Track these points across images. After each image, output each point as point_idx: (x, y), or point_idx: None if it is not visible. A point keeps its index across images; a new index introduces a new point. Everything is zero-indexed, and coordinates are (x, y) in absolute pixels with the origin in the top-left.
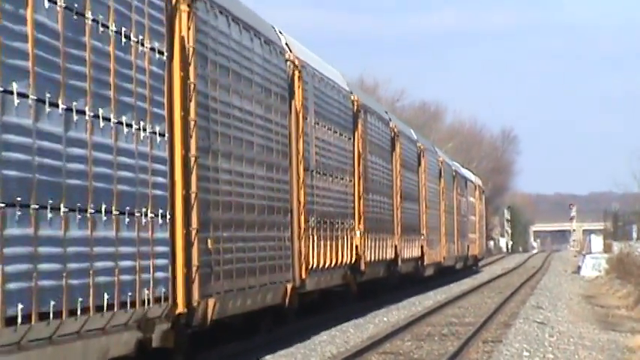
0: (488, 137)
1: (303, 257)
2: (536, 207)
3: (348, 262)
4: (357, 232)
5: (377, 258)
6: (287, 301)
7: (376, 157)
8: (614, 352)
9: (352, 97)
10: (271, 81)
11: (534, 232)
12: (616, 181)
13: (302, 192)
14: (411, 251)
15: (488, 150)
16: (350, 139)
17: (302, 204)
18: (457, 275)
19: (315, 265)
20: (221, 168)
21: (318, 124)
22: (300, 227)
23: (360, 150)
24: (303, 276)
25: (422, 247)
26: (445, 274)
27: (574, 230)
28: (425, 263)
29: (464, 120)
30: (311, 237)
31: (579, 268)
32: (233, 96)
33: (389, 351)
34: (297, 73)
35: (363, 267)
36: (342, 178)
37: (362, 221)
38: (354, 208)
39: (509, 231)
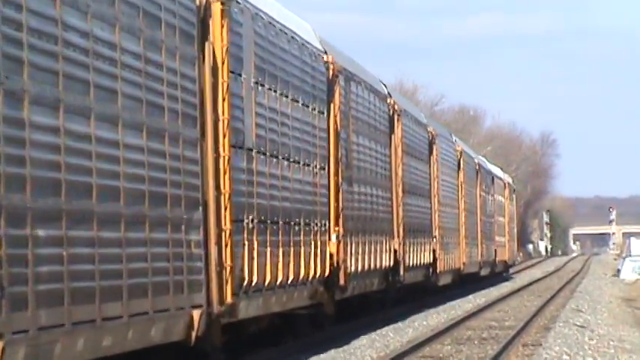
0: (528, 141)
1: (228, 272)
2: (575, 210)
3: (318, 275)
4: (333, 236)
5: (366, 267)
6: (194, 335)
7: (365, 139)
8: None
9: (325, 58)
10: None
11: (574, 235)
12: None
13: (225, 177)
14: (419, 257)
15: (528, 154)
16: (322, 113)
17: (226, 195)
18: (495, 279)
19: (253, 282)
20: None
21: (261, 85)
22: (221, 228)
23: (339, 127)
24: (229, 298)
25: (434, 251)
26: (468, 282)
27: (614, 233)
28: (438, 270)
29: (502, 124)
30: (246, 243)
31: (619, 271)
32: None
33: (428, 355)
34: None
35: (342, 281)
36: (308, 164)
37: (341, 221)
38: (328, 204)
39: (549, 234)
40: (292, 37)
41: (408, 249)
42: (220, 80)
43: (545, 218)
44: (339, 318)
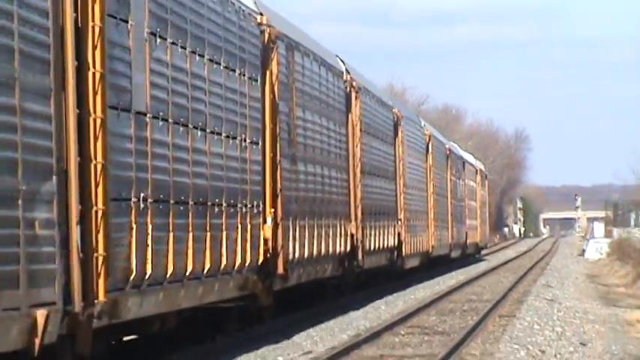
0: (503, 136)
1: (101, 261)
2: (545, 197)
3: (248, 263)
4: (269, 219)
5: (315, 253)
6: (37, 343)
7: (315, 116)
8: (614, 325)
9: (259, 19)
10: None
11: (544, 219)
12: (616, 175)
13: (98, 143)
14: (382, 240)
15: (503, 147)
16: (255, 80)
17: (98, 166)
18: (473, 259)
19: (147, 274)
20: None
21: (160, 37)
22: (89, 207)
23: (277, 99)
24: (101, 296)
25: (399, 234)
26: (438, 264)
27: (579, 218)
28: (404, 254)
29: (481, 121)
30: (134, 226)
31: (584, 251)
32: None
33: (416, 325)
34: None
35: (281, 269)
36: (233, 137)
37: (280, 203)
38: (263, 182)
39: (522, 219)
40: None
41: (367, 232)
42: (89, 22)
43: (519, 204)
44: (286, 308)
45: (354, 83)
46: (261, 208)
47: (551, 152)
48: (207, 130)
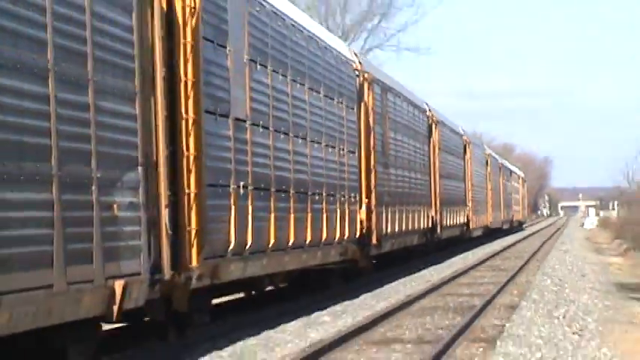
0: (538, 160)
1: (193, 235)
2: (561, 194)
3: (347, 236)
4: (363, 206)
5: (404, 229)
6: (114, 312)
7: (404, 137)
8: (602, 265)
9: (355, 66)
10: None
11: (561, 206)
12: (611, 178)
13: (190, 139)
14: (455, 219)
15: (537, 167)
16: (352, 108)
17: (190, 157)
18: (509, 231)
19: (248, 244)
20: None
21: (261, 65)
22: (181, 189)
23: (370, 122)
24: (194, 263)
25: (467, 215)
26: (493, 233)
27: (580, 206)
28: (471, 227)
29: (526, 151)
30: (232, 207)
31: (583, 224)
32: None
33: (488, 265)
34: None
35: (375, 240)
36: (332, 146)
37: (373, 195)
38: (359, 180)
39: (548, 205)
40: (310, 37)
41: (444, 215)
42: (181, 40)
43: (546, 198)
44: (383, 267)
45: (434, 117)
46: (357, 198)
47: (565, 167)
48: (308, 139)
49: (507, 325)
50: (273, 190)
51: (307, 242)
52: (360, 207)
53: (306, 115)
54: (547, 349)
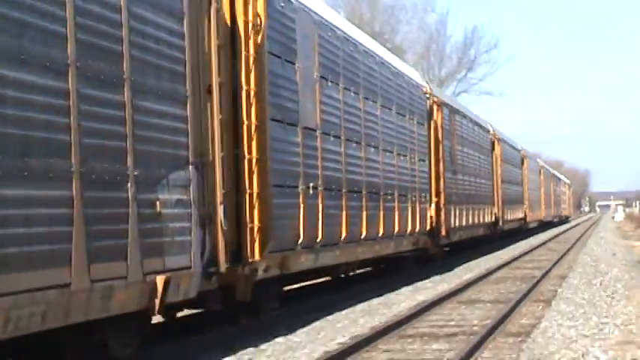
0: (580, 172)
1: (256, 231)
2: (598, 196)
3: (417, 230)
4: (432, 205)
5: (470, 223)
6: (156, 305)
7: (470, 150)
8: (628, 247)
9: (424, 90)
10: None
11: (597, 205)
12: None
13: (252, 143)
14: (514, 215)
15: (581, 177)
16: (422, 124)
17: (252, 160)
18: (559, 223)
19: (310, 239)
20: None
21: (332, 82)
22: (242, 190)
23: (439, 137)
24: (257, 256)
25: (525, 211)
26: (546, 225)
27: (611, 205)
28: (528, 220)
29: (573, 165)
30: (301, 205)
31: (614, 217)
32: None
33: (545, 248)
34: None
35: (444, 232)
36: (404, 155)
37: (442, 196)
38: (429, 183)
39: (588, 204)
40: (382, 63)
41: (505, 211)
42: (243, 52)
43: (587, 199)
44: (452, 254)
45: (496, 136)
46: (427, 198)
47: (601, 176)
48: (380, 148)
49: (559, 290)
50: (344, 190)
51: (380, 235)
52: (430, 205)
53: (378, 128)
54: (588, 307)
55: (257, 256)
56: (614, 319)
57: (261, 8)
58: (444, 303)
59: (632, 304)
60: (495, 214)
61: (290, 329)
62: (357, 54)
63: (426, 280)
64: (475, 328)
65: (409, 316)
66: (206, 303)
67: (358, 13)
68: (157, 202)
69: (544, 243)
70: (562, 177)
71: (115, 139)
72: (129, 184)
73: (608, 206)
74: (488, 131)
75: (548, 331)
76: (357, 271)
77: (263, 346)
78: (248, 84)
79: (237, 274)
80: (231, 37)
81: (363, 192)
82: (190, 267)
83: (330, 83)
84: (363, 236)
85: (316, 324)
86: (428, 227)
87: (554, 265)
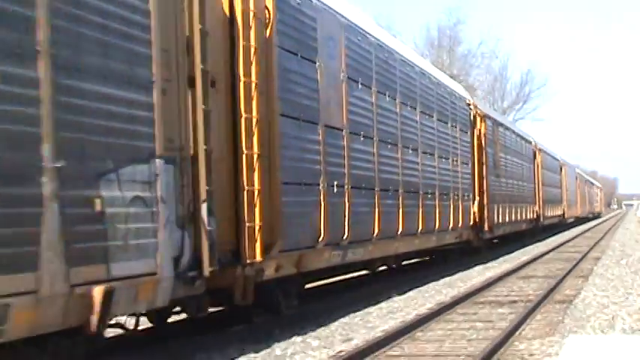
0: (610, 179)
1: (257, 230)
2: (625, 197)
3: (460, 225)
4: (475, 203)
5: (514, 219)
6: (93, 323)
7: (512, 157)
8: None
9: (467, 101)
10: None
11: (623, 204)
12: None
13: (254, 139)
14: (553, 212)
15: (611, 182)
16: (465, 132)
17: (253, 156)
18: (592, 218)
19: (335, 236)
20: None
21: (363, 84)
22: (240, 186)
23: (482, 144)
24: (258, 256)
25: (563, 209)
26: (582, 220)
27: (636, 203)
28: (566, 217)
29: (604, 174)
30: (322, 203)
31: (636, 213)
32: None
33: (582, 236)
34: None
35: (487, 227)
36: (445, 157)
37: (485, 195)
38: (473, 183)
39: (616, 203)
40: (422, 73)
41: (546, 209)
42: (241, 42)
43: (615, 199)
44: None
45: (537, 146)
46: (470, 197)
47: (629, 181)
48: (419, 151)
49: (594, 268)
50: (377, 189)
51: (419, 230)
52: (473, 203)
53: (417, 132)
54: (617, 281)
55: (258, 257)
56: (637, 290)
57: (269, 2)
58: (507, 278)
59: None
60: (537, 211)
61: (392, 296)
62: (393, 61)
63: (493, 261)
64: (530, 297)
65: (480, 288)
66: (187, 309)
67: (440, 60)
68: (97, 200)
69: (582, 233)
70: (595, 182)
71: (19, 124)
72: (43, 179)
73: (631, 205)
74: (530, 143)
75: (586, 299)
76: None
77: (371, 309)
78: (247, 76)
79: (234, 276)
80: (230, 27)
81: (400, 190)
82: (155, 273)
83: (360, 86)
84: (399, 232)
85: (410, 294)
86: (471, 222)
87: (590, 249)
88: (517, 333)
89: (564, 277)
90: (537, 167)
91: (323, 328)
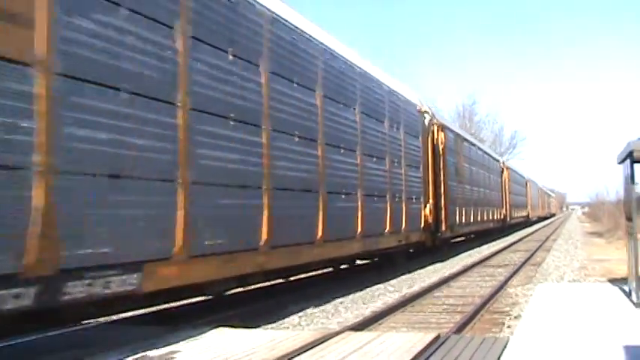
0: (560, 192)
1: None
2: (572, 204)
3: (403, 227)
4: (428, 205)
5: (474, 220)
6: None
7: (478, 169)
8: (582, 227)
9: (419, 107)
10: None
11: (570, 208)
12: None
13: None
14: (519, 214)
15: (562, 195)
16: (417, 137)
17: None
18: (550, 217)
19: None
20: None
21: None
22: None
23: (440, 151)
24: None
25: (528, 211)
26: (543, 218)
27: (578, 207)
28: (530, 216)
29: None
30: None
31: (576, 214)
32: None
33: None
34: None
35: (443, 228)
36: (382, 158)
37: (442, 198)
38: (426, 189)
39: (566, 208)
40: (370, 78)
41: (512, 212)
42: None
43: (565, 205)
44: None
45: (505, 165)
46: (422, 200)
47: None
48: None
49: (554, 245)
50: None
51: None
52: (425, 206)
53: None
54: (566, 252)
55: None
56: (576, 257)
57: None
58: (503, 252)
59: (584, 251)
60: (504, 213)
61: (435, 262)
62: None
63: (493, 242)
64: (516, 262)
65: (487, 256)
66: None
67: (464, 124)
68: None
69: (545, 226)
70: (552, 193)
71: None
72: None
73: (574, 209)
74: (498, 161)
75: (548, 263)
76: None
77: (421, 271)
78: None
79: None
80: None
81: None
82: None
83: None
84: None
85: (446, 262)
86: (422, 224)
87: (549, 235)
88: (508, 283)
89: (536, 250)
90: (505, 180)
91: (395, 280)
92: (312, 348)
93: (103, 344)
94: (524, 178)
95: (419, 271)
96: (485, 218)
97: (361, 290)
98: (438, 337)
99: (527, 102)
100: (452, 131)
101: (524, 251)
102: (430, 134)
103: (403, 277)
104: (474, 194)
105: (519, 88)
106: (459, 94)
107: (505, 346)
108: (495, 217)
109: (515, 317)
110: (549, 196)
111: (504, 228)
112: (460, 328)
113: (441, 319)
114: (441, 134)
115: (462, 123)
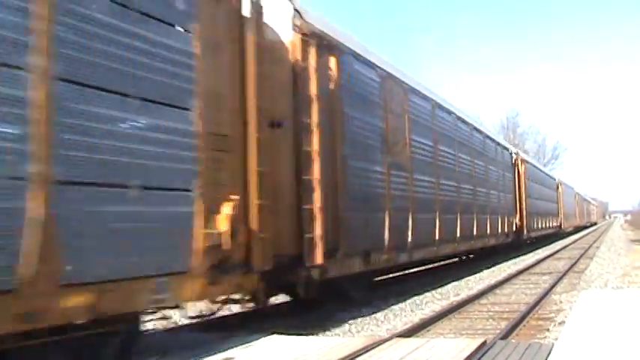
0: (602, 201)
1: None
2: (614, 213)
3: (507, 230)
4: (517, 216)
5: (540, 227)
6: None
7: (543, 187)
8: (625, 234)
9: (510, 150)
10: None
11: (613, 216)
12: None
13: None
14: (543, 224)
15: (604, 203)
16: (510, 173)
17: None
18: (590, 226)
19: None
20: None
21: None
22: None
23: (523, 179)
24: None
25: (561, 220)
26: (581, 228)
27: (621, 215)
28: (563, 227)
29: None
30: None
31: (619, 222)
32: None
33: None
34: None
35: (525, 232)
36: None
37: (524, 212)
38: (515, 205)
39: (608, 216)
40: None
41: (529, 221)
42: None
43: (608, 214)
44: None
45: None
46: (513, 213)
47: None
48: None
49: (597, 252)
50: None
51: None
52: (515, 217)
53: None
54: (609, 260)
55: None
56: (619, 264)
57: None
58: (547, 259)
59: (627, 258)
60: (517, 223)
61: (482, 269)
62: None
63: (539, 250)
64: (560, 269)
65: (532, 264)
66: None
67: (507, 136)
68: None
69: (589, 233)
70: (592, 201)
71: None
72: None
73: (617, 216)
74: (554, 179)
75: (591, 270)
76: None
77: (470, 277)
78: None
79: None
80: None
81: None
82: None
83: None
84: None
85: (494, 269)
86: (514, 229)
87: (592, 243)
88: (552, 290)
89: (579, 258)
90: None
91: (441, 288)
92: (362, 354)
93: (161, 349)
94: (554, 179)
95: (467, 278)
96: (546, 225)
97: (409, 298)
98: (484, 343)
99: (569, 110)
100: (529, 163)
101: (567, 259)
102: (516, 167)
103: (449, 285)
104: (540, 208)
105: (561, 96)
106: (502, 106)
107: (550, 352)
108: (553, 224)
109: (560, 323)
110: (589, 203)
111: (560, 234)
112: (506, 335)
113: (487, 325)
114: (522, 166)
115: (505, 135)
